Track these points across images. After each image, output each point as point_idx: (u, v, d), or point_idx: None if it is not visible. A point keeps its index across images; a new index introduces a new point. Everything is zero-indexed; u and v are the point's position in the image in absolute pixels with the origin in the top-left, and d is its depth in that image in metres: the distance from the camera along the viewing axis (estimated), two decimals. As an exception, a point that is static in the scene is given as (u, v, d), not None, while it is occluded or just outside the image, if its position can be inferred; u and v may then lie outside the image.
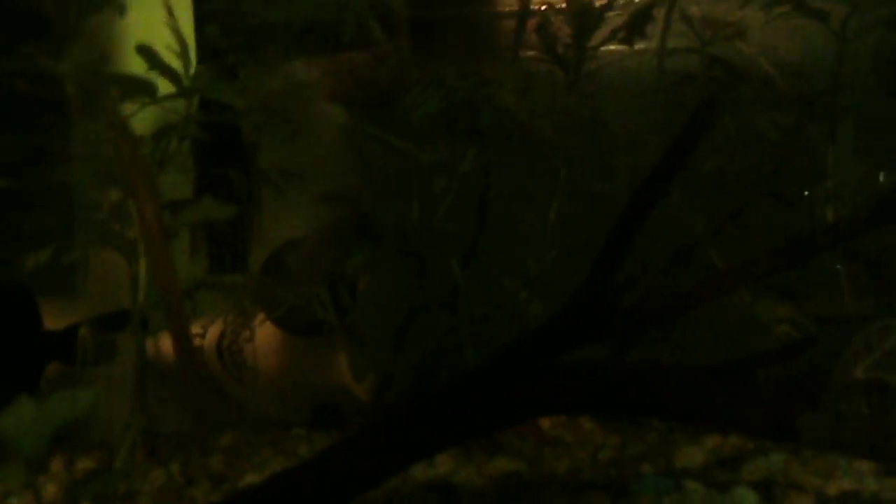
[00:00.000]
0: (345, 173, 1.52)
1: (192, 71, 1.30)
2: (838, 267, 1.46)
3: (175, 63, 1.30)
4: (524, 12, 1.68)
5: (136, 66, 1.28)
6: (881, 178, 1.47)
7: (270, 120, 1.34)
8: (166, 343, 1.26)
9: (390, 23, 1.54)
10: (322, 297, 1.39)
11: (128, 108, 1.15)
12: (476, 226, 1.53)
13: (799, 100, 1.43)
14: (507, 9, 1.87)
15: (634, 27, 1.48)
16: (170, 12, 1.31)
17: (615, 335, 1.09)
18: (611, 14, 1.56)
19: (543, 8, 1.67)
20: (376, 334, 1.47)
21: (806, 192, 1.49)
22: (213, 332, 1.73)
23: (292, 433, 1.64)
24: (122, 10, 1.07)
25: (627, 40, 1.51)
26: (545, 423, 1.46)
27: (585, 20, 1.56)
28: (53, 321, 1.58)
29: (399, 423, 1.09)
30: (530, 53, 1.67)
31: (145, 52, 1.22)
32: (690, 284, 1.24)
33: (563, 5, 1.60)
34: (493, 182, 1.53)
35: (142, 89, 1.14)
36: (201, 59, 1.40)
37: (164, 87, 1.29)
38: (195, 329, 1.69)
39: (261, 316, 1.64)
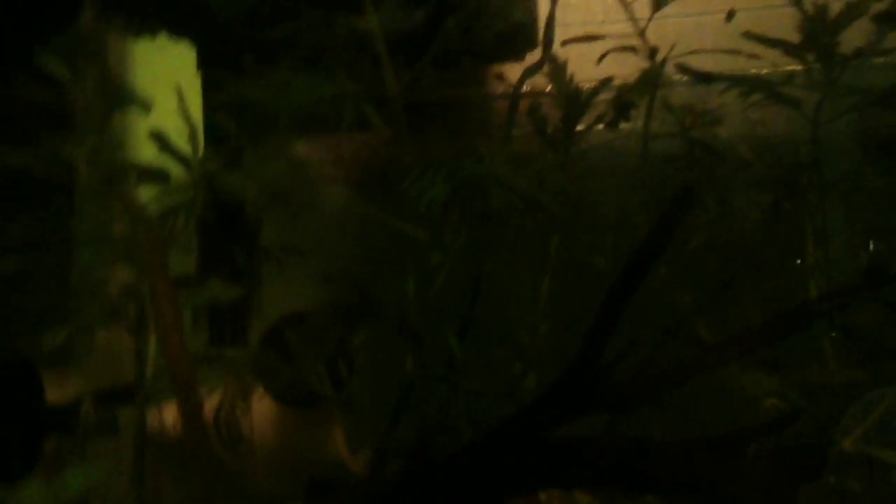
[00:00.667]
0: (344, 252, 1.58)
1: (200, 155, 1.37)
2: (833, 335, 1.50)
3: (185, 147, 1.38)
4: (517, 95, 1.78)
5: (146, 149, 1.35)
6: (870, 246, 1.53)
7: (274, 201, 1.40)
8: (170, 417, 1.28)
9: (387, 107, 1.62)
10: (319, 371, 1.42)
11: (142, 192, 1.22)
12: (470, 300, 1.58)
13: (776, 180, 1.50)
14: (499, 91, 1.98)
15: (618, 112, 1.57)
16: (180, 98, 1.39)
17: (606, 410, 1.12)
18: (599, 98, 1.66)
19: (534, 90, 1.76)
20: (373, 408, 1.49)
21: (798, 261, 1.55)
22: (210, 404, 1.74)
23: (290, 509, 1.63)
24: (147, 107, 1.15)
25: (613, 124, 1.60)
26: (542, 494, 1.47)
27: (574, 104, 1.65)
28: (52, 394, 1.60)
29: (393, 498, 1.11)
30: (520, 133, 1.76)
31: (158, 138, 1.30)
32: (680, 359, 1.28)
33: (551, 89, 1.70)
34: (488, 257, 1.58)
35: (156, 177, 1.20)
36: (210, 142, 1.47)
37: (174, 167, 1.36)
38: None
39: (259, 390, 1.66)
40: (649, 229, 1.03)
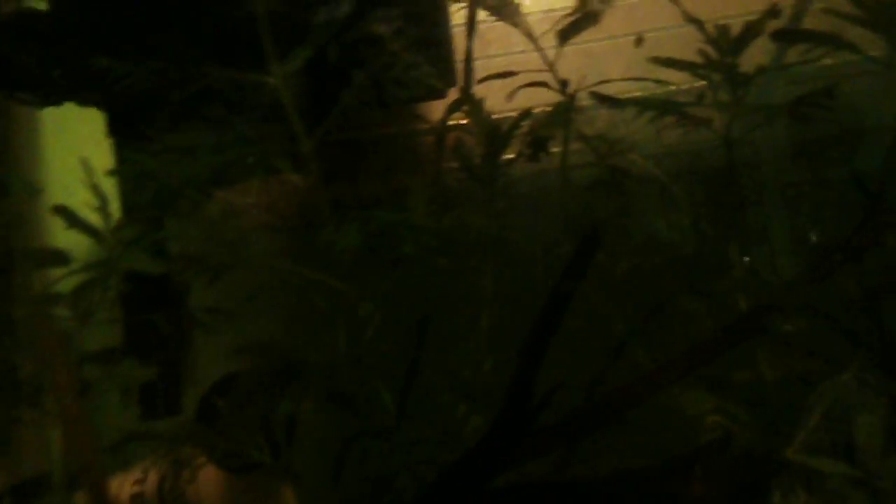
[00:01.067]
0: (272, 309, 1.55)
1: (112, 225, 1.33)
2: (767, 344, 1.51)
3: (96, 219, 1.34)
4: (442, 132, 1.78)
5: (57, 225, 1.30)
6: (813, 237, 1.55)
7: (194, 264, 1.37)
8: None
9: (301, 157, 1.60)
10: (256, 439, 1.38)
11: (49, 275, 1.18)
12: (416, 345, 1.56)
13: (693, 202, 1.52)
14: (426, 126, 1.98)
15: (536, 145, 1.58)
16: (88, 170, 1.36)
17: (537, 454, 1.11)
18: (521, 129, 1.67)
19: (460, 124, 1.77)
20: (313, 470, 1.46)
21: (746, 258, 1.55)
22: (154, 476, 1.69)
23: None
24: (32, 192, 1.11)
25: (532, 157, 1.61)
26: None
27: (494, 139, 1.66)
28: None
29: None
30: (450, 166, 1.77)
31: (62, 211, 1.26)
32: (620, 388, 1.27)
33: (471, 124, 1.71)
34: (421, 300, 1.57)
35: (55, 260, 1.16)
36: (126, 211, 1.44)
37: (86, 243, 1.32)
38: (135, 475, 1.65)
39: (201, 458, 1.61)
40: (561, 273, 1.03)
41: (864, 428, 1.18)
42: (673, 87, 1.68)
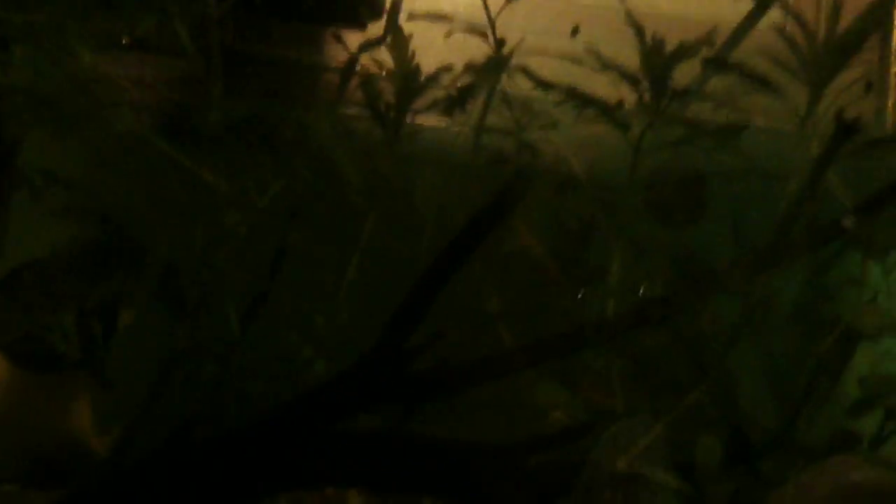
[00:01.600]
0: (120, 187, 1.33)
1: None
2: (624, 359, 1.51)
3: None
4: (350, 66, 1.65)
5: None
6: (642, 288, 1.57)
7: (41, 112, 1.14)
8: None
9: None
10: (66, 328, 1.17)
11: None
12: (270, 273, 1.42)
13: (595, 199, 1.51)
14: (336, 63, 1.83)
15: (458, 100, 1.50)
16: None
17: (405, 399, 1.02)
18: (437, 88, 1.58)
19: (368, 66, 1.65)
20: (129, 379, 1.26)
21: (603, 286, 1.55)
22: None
23: (2, 489, 1.35)
24: None
25: (449, 112, 1.52)
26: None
27: (410, 82, 1.56)
28: None
29: (129, 487, 0.92)
30: (352, 111, 1.64)
31: None
32: (483, 358, 1.22)
33: (390, 66, 1.59)
34: (294, 229, 1.43)
35: None
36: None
37: None
38: None
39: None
40: (467, 222, 0.95)
41: (703, 448, 1.21)
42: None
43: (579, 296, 1.52)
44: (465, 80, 1.51)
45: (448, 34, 1.55)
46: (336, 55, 1.82)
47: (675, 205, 1.53)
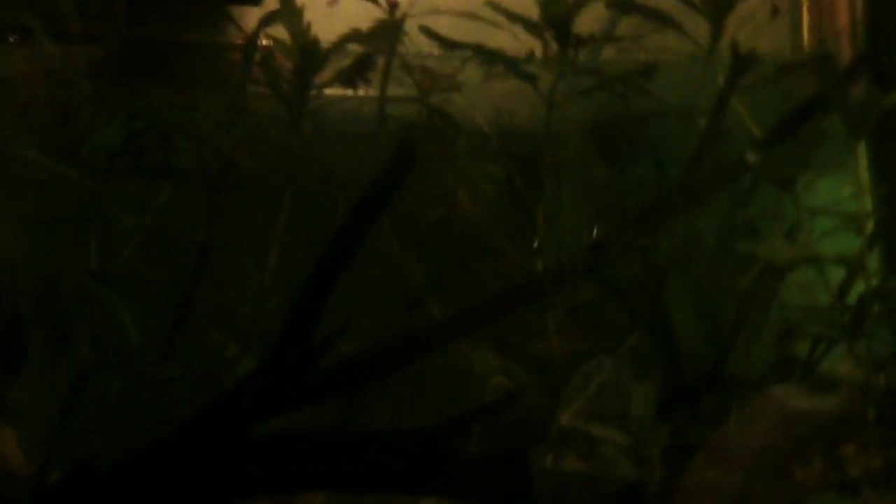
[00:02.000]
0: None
1: None
2: (556, 312, 1.50)
3: None
4: (250, 44, 1.58)
5: None
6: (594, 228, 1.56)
7: None
8: None
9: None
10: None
11: None
12: (194, 272, 1.36)
13: (510, 156, 1.47)
14: (239, 40, 1.75)
15: (356, 71, 1.44)
16: None
17: (313, 399, 0.99)
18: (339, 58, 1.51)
19: (271, 42, 1.57)
20: (39, 406, 1.20)
21: (533, 240, 1.53)
22: None
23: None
24: None
25: (350, 83, 1.46)
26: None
27: (310, 57, 1.49)
28: None
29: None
30: (260, 90, 1.57)
31: None
32: (405, 337, 1.18)
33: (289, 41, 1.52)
34: (201, 222, 1.37)
35: None
36: None
37: None
38: None
39: None
40: (365, 190, 0.91)
41: (639, 398, 1.20)
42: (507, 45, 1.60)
43: (535, 244, 1.49)
44: (361, 49, 1.44)
45: (332, 2, 1.48)
46: (240, 34, 1.73)
47: (620, 146, 1.50)
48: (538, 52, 1.54)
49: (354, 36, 1.50)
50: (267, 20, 1.56)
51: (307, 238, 1.46)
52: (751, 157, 1.20)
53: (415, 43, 1.53)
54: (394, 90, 1.50)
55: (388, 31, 1.41)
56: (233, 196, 1.42)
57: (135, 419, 1.07)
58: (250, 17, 1.69)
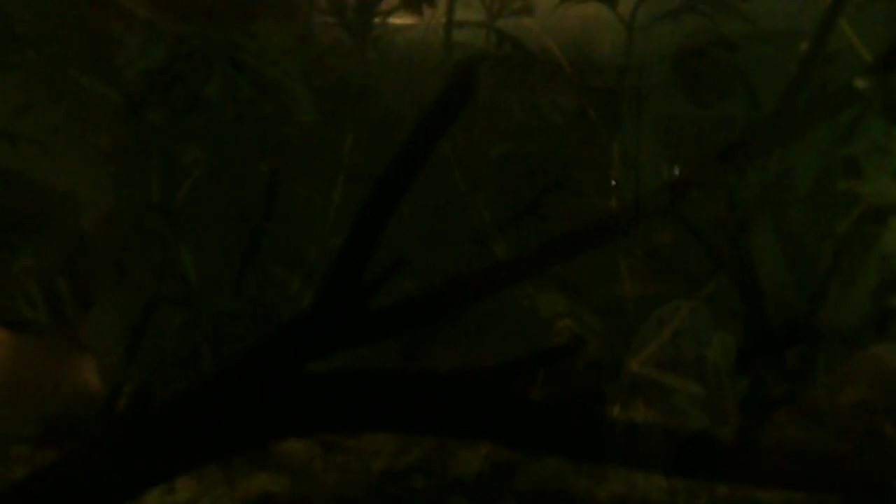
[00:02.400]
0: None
1: None
2: (630, 254, 1.42)
3: None
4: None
5: None
6: (676, 171, 1.45)
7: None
8: None
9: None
10: (32, 293, 1.12)
11: None
12: (265, 208, 1.33)
13: (585, 88, 1.37)
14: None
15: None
16: None
17: (368, 339, 0.95)
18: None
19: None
20: (108, 335, 1.22)
21: (611, 182, 1.44)
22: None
23: (13, 452, 1.35)
24: None
25: (416, 9, 1.38)
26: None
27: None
28: None
29: (118, 443, 0.89)
30: (326, 20, 1.50)
31: None
32: (467, 277, 1.13)
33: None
34: (267, 157, 1.34)
35: None
36: None
37: None
38: None
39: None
40: (415, 124, 0.84)
41: (717, 347, 1.12)
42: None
43: (610, 182, 1.40)
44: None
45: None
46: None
47: (708, 79, 1.37)
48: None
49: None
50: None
51: (372, 172, 1.42)
52: (859, 84, 1.06)
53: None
54: (461, 14, 1.40)
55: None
56: (297, 129, 1.38)
57: (194, 353, 1.08)
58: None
